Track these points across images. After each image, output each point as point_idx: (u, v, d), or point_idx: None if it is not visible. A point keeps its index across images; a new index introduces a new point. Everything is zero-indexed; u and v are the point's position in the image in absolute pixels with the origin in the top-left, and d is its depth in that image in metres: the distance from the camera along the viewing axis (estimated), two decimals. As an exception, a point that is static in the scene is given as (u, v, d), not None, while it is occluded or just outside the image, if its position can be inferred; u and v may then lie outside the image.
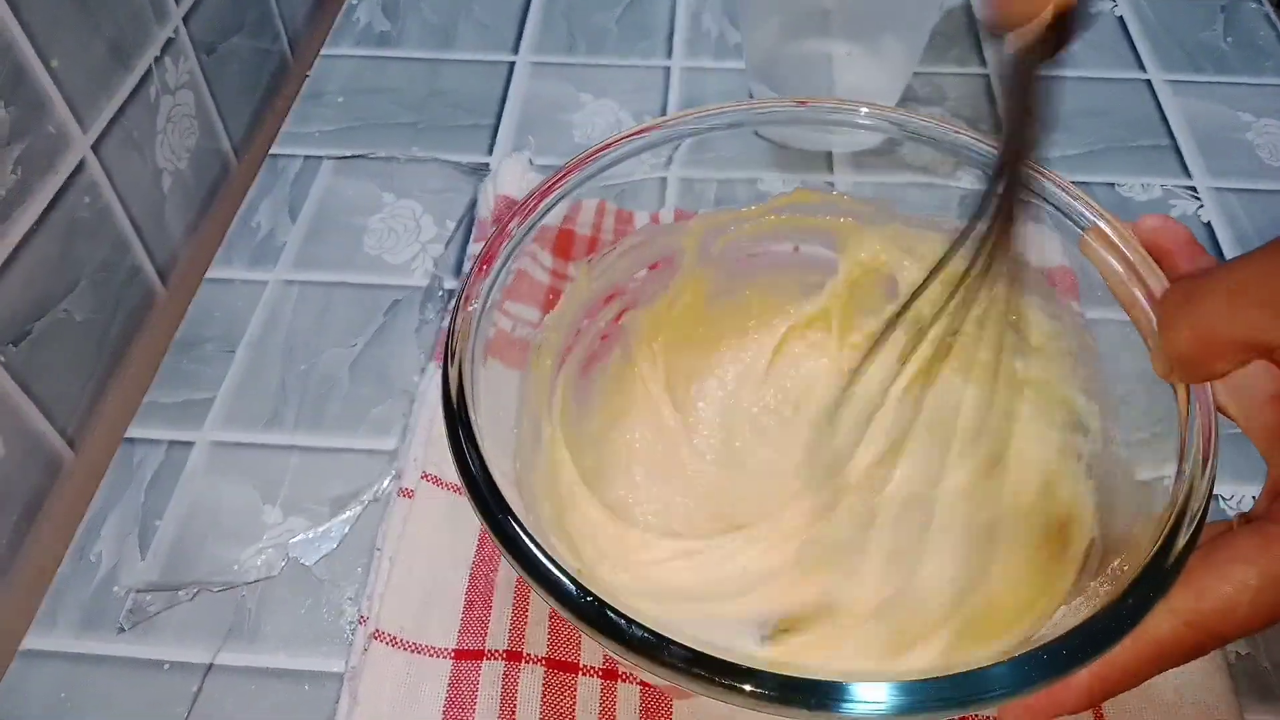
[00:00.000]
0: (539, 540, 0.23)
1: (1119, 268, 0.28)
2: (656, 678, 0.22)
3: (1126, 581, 0.21)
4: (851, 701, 0.20)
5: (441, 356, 0.28)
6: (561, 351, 0.34)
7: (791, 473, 0.33)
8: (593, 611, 0.22)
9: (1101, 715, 0.30)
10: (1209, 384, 0.25)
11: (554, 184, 0.32)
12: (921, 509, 0.30)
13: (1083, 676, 0.22)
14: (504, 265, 0.30)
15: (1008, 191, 0.25)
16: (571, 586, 0.22)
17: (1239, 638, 0.22)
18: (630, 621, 0.21)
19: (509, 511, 0.23)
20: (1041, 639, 0.21)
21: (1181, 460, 0.24)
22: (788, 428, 0.34)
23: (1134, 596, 0.21)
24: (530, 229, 0.31)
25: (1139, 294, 0.27)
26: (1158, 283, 0.27)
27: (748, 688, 0.20)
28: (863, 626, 0.28)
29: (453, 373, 0.26)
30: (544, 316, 0.33)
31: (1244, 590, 0.21)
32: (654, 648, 0.21)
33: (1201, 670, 0.31)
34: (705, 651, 0.21)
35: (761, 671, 0.20)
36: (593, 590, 0.22)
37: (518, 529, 0.23)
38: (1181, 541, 0.22)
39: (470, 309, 0.28)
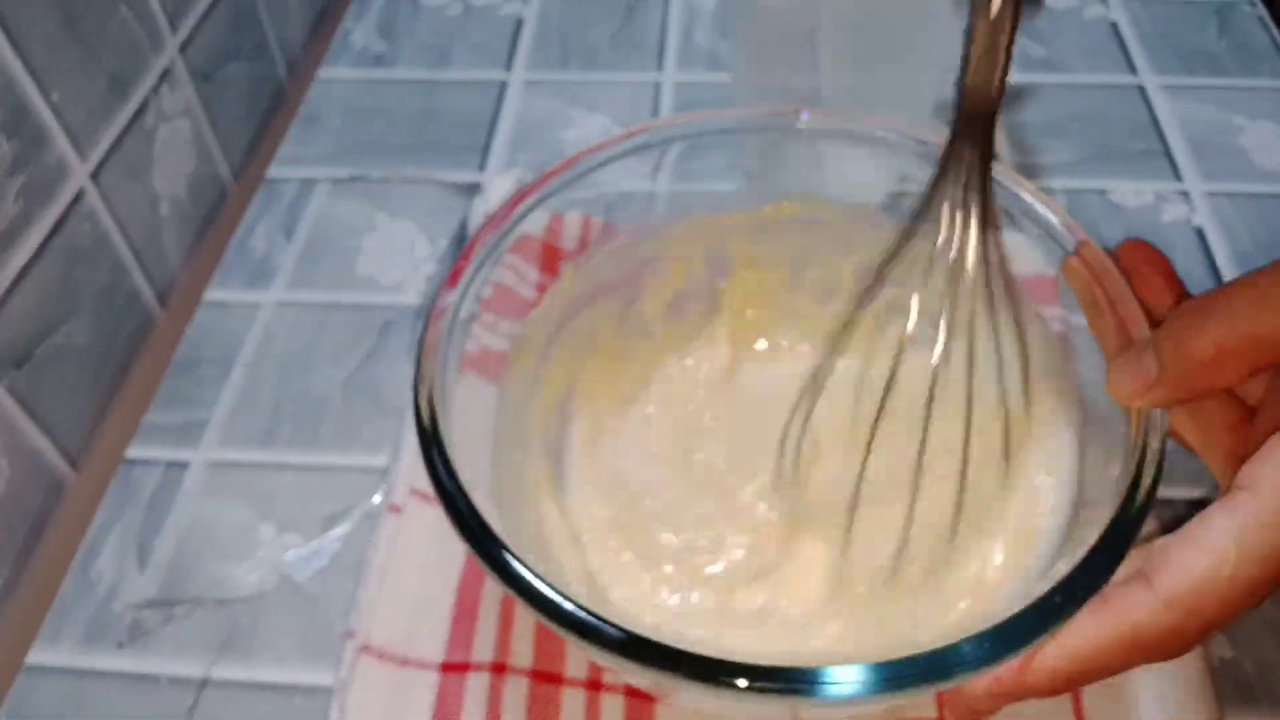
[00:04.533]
0: (508, 544, 0.24)
1: (1098, 294, 0.28)
2: (636, 678, 0.23)
3: (1078, 561, 0.22)
4: (823, 684, 0.21)
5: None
6: (543, 349, 0.34)
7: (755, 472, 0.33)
8: (555, 608, 0.22)
9: (1081, 711, 0.30)
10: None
11: (530, 190, 0.32)
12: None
13: (1050, 657, 0.21)
14: (479, 271, 0.30)
15: (976, 153, 0.26)
16: (540, 585, 0.23)
17: (1223, 619, 0.21)
18: (601, 620, 0.22)
19: (476, 513, 0.24)
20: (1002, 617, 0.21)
21: (1136, 459, 0.24)
22: (754, 427, 0.35)
23: (1084, 572, 0.22)
24: (506, 234, 0.31)
25: (1111, 320, 0.27)
26: (1132, 309, 0.27)
27: (718, 677, 0.21)
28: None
29: (423, 391, 0.27)
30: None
31: (1223, 562, 0.20)
32: (630, 647, 0.22)
33: (1184, 674, 0.31)
34: (664, 642, 0.21)
35: (713, 659, 0.21)
36: (556, 585, 0.23)
37: (486, 532, 0.24)
38: (1138, 502, 0.23)
39: (442, 315, 0.29)
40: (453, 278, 0.30)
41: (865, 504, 0.30)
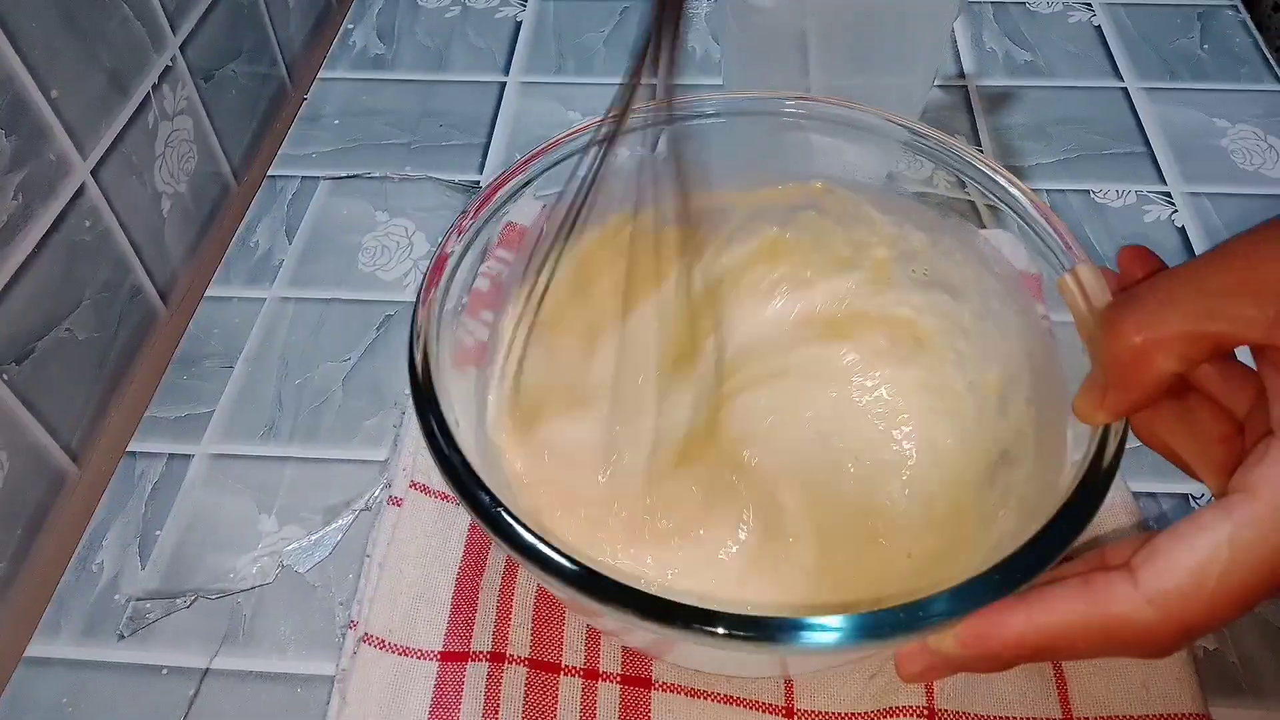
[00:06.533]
0: (507, 505, 0.24)
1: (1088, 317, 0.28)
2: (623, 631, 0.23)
3: (1039, 528, 0.23)
4: (806, 631, 0.21)
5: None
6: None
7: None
8: (535, 553, 0.23)
9: (1067, 701, 0.31)
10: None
11: (515, 170, 0.32)
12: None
13: (1018, 625, 0.21)
14: (471, 242, 0.31)
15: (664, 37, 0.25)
16: (535, 541, 0.23)
17: (1205, 625, 0.20)
18: (567, 557, 0.23)
19: (470, 468, 0.25)
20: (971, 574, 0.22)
21: (1098, 436, 0.25)
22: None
23: (1047, 536, 0.23)
24: (494, 213, 0.32)
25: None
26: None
27: (700, 626, 0.22)
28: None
29: (418, 354, 0.27)
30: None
31: (1213, 562, 0.20)
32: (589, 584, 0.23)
33: (1168, 663, 0.32)
34: (644, 590, 0.22)
35: (701, 608, 0.22)
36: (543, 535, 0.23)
37: (483, 493, 0.25)
38: (1100, 473, 0.24)
39: (433, 295, 0.29)
40: (446, 241, 0.30)
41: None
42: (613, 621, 0.24)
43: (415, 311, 0.28)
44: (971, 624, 0.22)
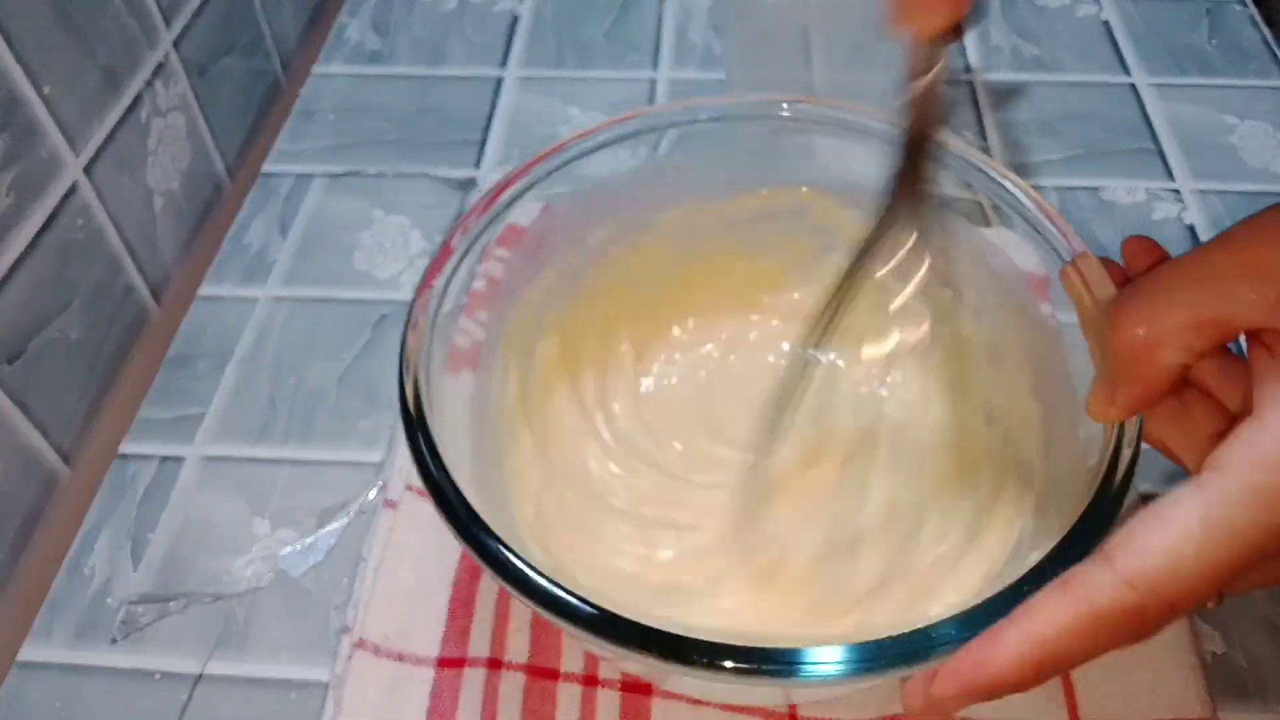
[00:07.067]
0: (497, 532, 0.24)
1: (1092, 308, 0.28)
2: (626, 663, 0.23)
3: (1052, 546, 0.22)
4: (808, 664, 0.21)
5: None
6: (531, 333, 0.35)
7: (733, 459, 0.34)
8: (546, 594, 0.23)
9: (1075, 706, 0.31)
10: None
11: (515, 177, 0.32)
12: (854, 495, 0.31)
13: (1015, 643, 0.21)
14: (468, 251, 0.30)
15: (914, 171, 0.26)
16: (531, 573, 0.23)
17: (1187, 601, 0.20)
18: (585, 602, 0.22)
19: (465, 501, 0.24)
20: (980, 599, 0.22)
21: (1112, 446, 0.24)
22: (729, 413, 0.35)
23: (1059, 556, 0.22)
24: (492, 221, 0.31)
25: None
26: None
27: (701, 659, 0.21)
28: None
29: (409, 379, 0.27)
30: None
31: (1187, 539, 0.20)
32: (602, 625, 0.22)
33: (1176, 668, 0.31)
34: (647, 624, 0.22)
35: (702, 640, 0.21)
36: (552, 575, 0.23)
37: (473, 518, 0.24)
38: (1112, 488, 0.23)
39: (429, 294, 0.29)
40: (440, 258, 0.30)
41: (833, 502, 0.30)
42: (617, 656, 0.23)
43: (405, 335, 0.28)
44: (967, 655, 0.21)
